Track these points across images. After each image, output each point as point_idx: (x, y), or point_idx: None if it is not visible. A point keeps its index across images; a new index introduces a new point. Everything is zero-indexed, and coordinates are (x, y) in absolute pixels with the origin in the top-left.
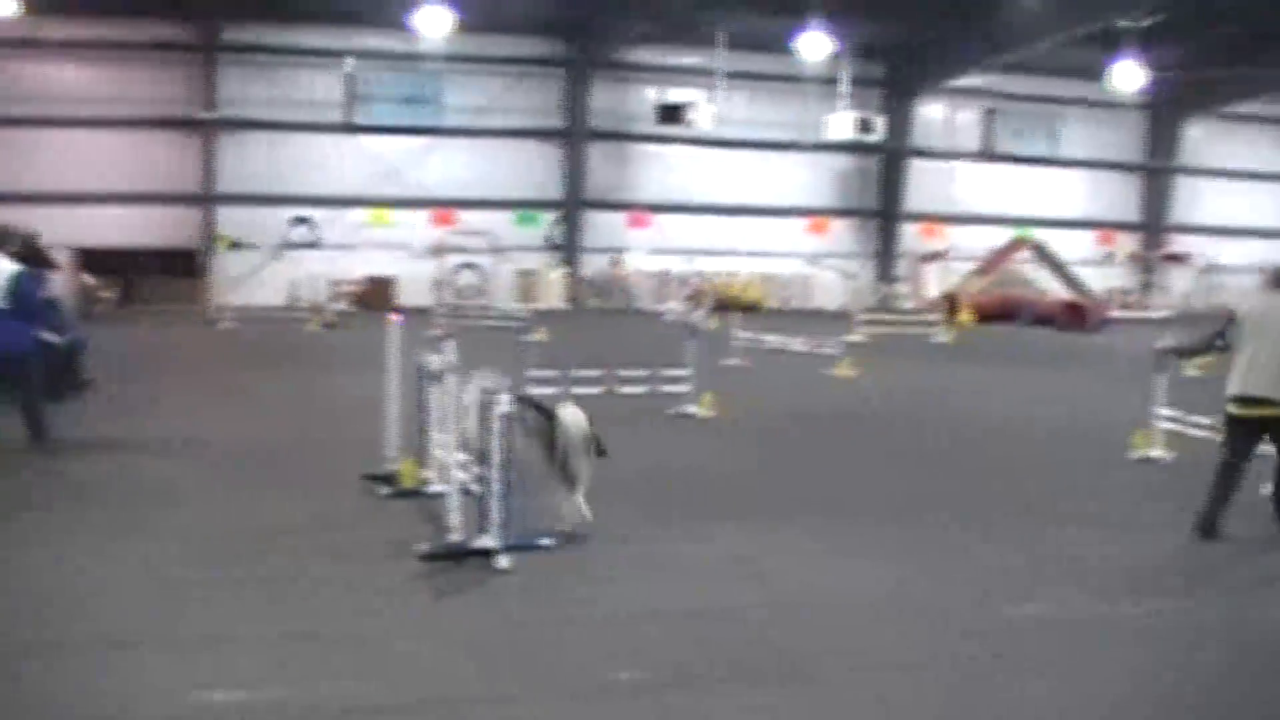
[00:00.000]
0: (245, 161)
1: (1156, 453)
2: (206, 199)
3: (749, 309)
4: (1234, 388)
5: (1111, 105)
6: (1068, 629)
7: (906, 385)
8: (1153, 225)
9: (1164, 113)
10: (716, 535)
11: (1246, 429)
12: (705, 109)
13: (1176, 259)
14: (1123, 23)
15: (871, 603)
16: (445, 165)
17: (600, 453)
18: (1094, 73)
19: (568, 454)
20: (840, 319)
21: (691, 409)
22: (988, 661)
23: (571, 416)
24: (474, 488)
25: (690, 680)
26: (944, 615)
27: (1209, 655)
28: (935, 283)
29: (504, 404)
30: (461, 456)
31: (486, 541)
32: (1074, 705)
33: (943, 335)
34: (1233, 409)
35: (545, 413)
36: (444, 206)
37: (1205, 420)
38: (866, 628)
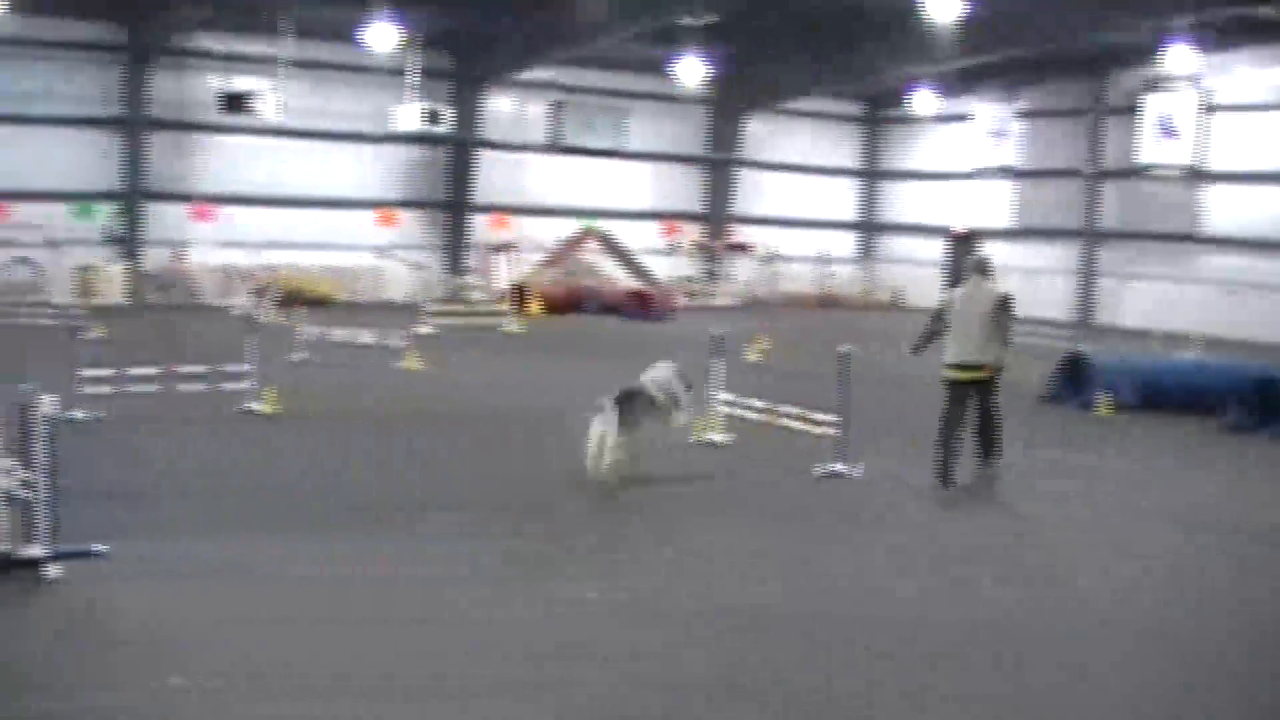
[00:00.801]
0: None
1: (716, 436)
2: None
3: (317, 302)
4: (949, 357)
5: (676, 100)
6: None
7: (474, 377)
8: (716, 216)
9: (726, 107)
10: (244, 543)
11: (960, 389)
12: (271, 98)
13: (739, 249)
14: (685, 20)
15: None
16: None
17: (688, 386)
18: (659, 68)
19: (669, 401)
20: (410, 311)
21: (255, 406)
22: None
23: (652, 375)
24: (21, 494)
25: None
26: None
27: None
28: (505, 274)
29: (46, 406)
30: (5, 463)
31: (34, 550)
32: None
33: (513, 326)
34: (949, 374)
35: (629, 394)
36: None
37: (760, 404)
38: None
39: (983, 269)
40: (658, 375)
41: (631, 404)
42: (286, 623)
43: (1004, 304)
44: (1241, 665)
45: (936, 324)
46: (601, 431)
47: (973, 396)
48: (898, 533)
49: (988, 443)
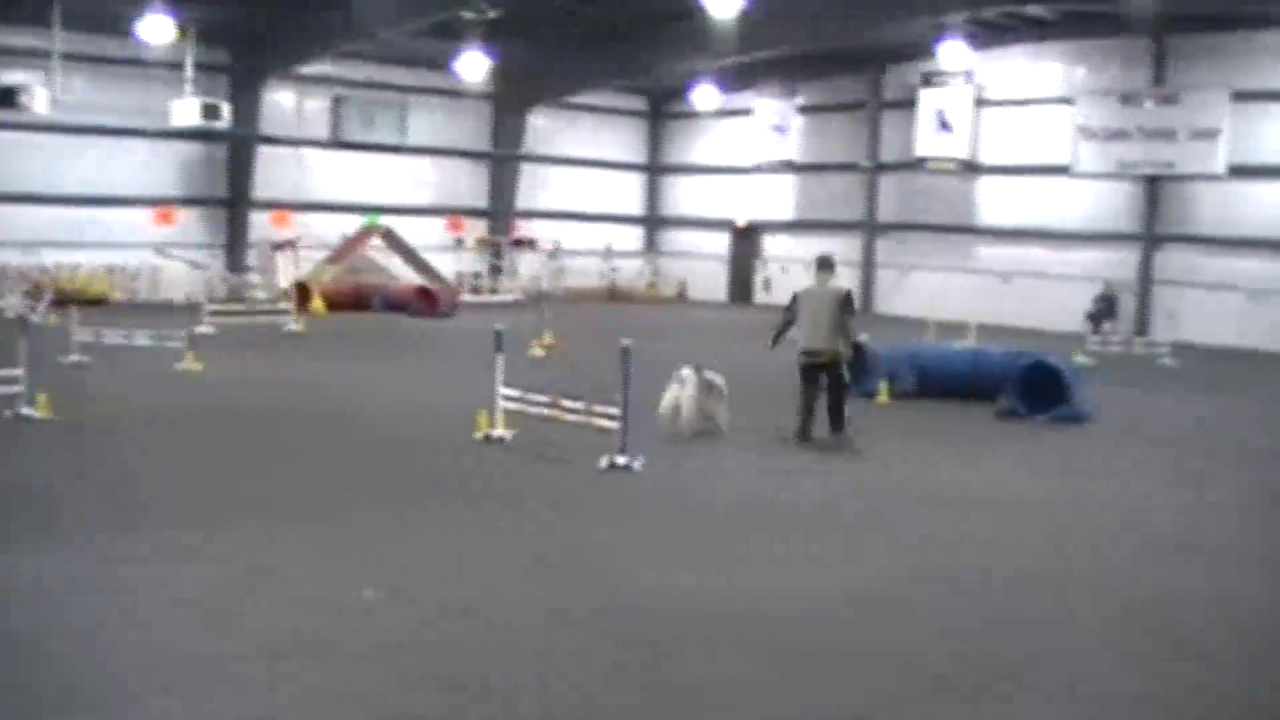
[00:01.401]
0: None
1: (499, 431)
2: None
3: (93, 303)
4: (802, 344)
5: (459, 95)
6: None
7: (256, 376)
8: (500, 211)
9: (509, 102)
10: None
11: (811, 371)
12: (40, 93)
13: (524, 244)
14: (467, 15)
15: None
16: None
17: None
18: (442, 63)
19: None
20: (190, 311)
21: (28, 411)
22: None
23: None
24: None
25: None
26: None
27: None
28: (288, 271)
29: None
30: None
31: None
32: None
33: (296, 324)
34: (802, 359)
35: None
36: None
37: (543, 398)
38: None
39: (827, 266)
40: (710, 377)
41: (704, 377)
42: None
43: (846, 300)
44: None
45: (788, 315)
46: (677, 394)
47: (822, 377)
48: (666, 521)
49: (836, 416)
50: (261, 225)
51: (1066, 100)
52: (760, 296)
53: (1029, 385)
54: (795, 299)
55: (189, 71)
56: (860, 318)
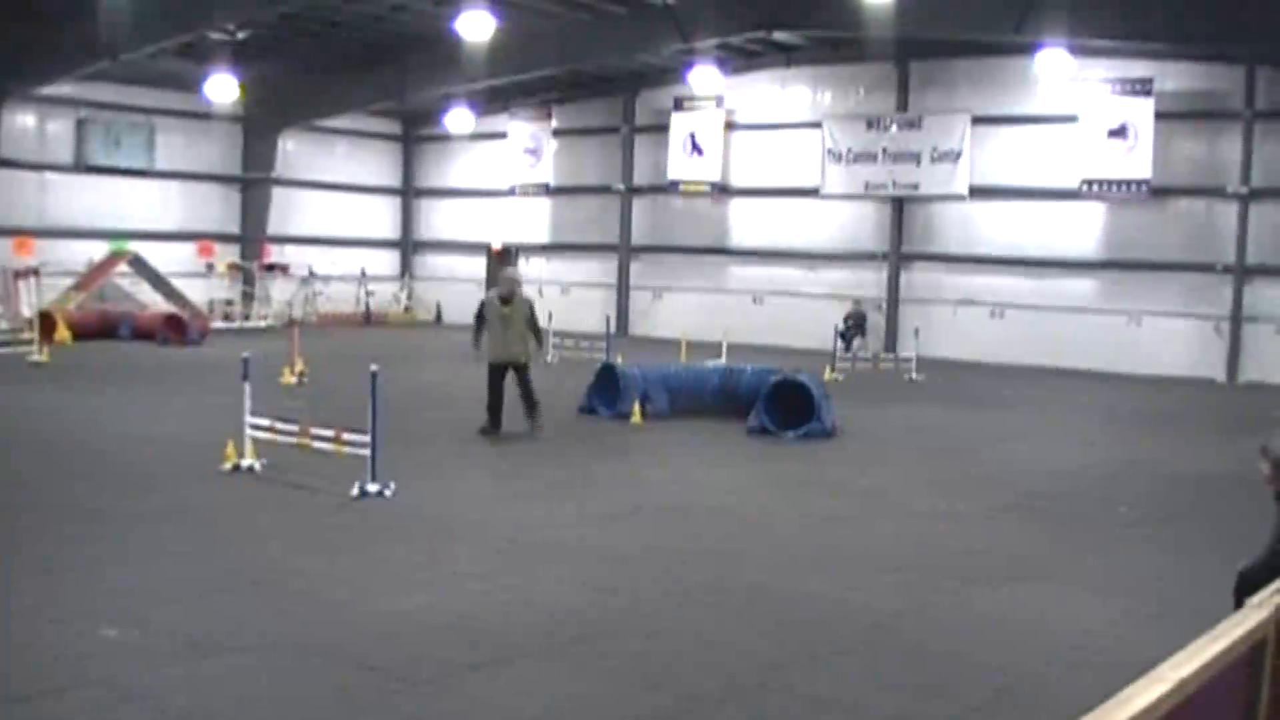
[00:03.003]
0: None
1: (248, 461)
2: None
3: None
4: (493, 355)
5: (208, 117)
6: None
7: None
8: (251, 236)
9: (259, 125)
10: None
11: (498, 370)
12: None
13: (276, 269)
14: (216, 36)
15: None
16: None
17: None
18: (191, 84)
19: None
20: None
21: None
22: None
23: None
24: None
25: None
26: None
27: None
28: (30, 300)
29: None
30: None
31: None
32: None
33: (40, 355)
34: (493, 363)
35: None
36: None
37: (293, 426)
38: None
39: (513, 279)
40: None
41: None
42: None
43: (531, 309)
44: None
45: (479, 323)
46: None
47: (509, 376)
48: (402, 547)
49: (530, 407)
50: (2, 252)
51: (814, 124)
52: None
53: (780, 402)
54: (481, 309)
55: None
56: (616, 339)
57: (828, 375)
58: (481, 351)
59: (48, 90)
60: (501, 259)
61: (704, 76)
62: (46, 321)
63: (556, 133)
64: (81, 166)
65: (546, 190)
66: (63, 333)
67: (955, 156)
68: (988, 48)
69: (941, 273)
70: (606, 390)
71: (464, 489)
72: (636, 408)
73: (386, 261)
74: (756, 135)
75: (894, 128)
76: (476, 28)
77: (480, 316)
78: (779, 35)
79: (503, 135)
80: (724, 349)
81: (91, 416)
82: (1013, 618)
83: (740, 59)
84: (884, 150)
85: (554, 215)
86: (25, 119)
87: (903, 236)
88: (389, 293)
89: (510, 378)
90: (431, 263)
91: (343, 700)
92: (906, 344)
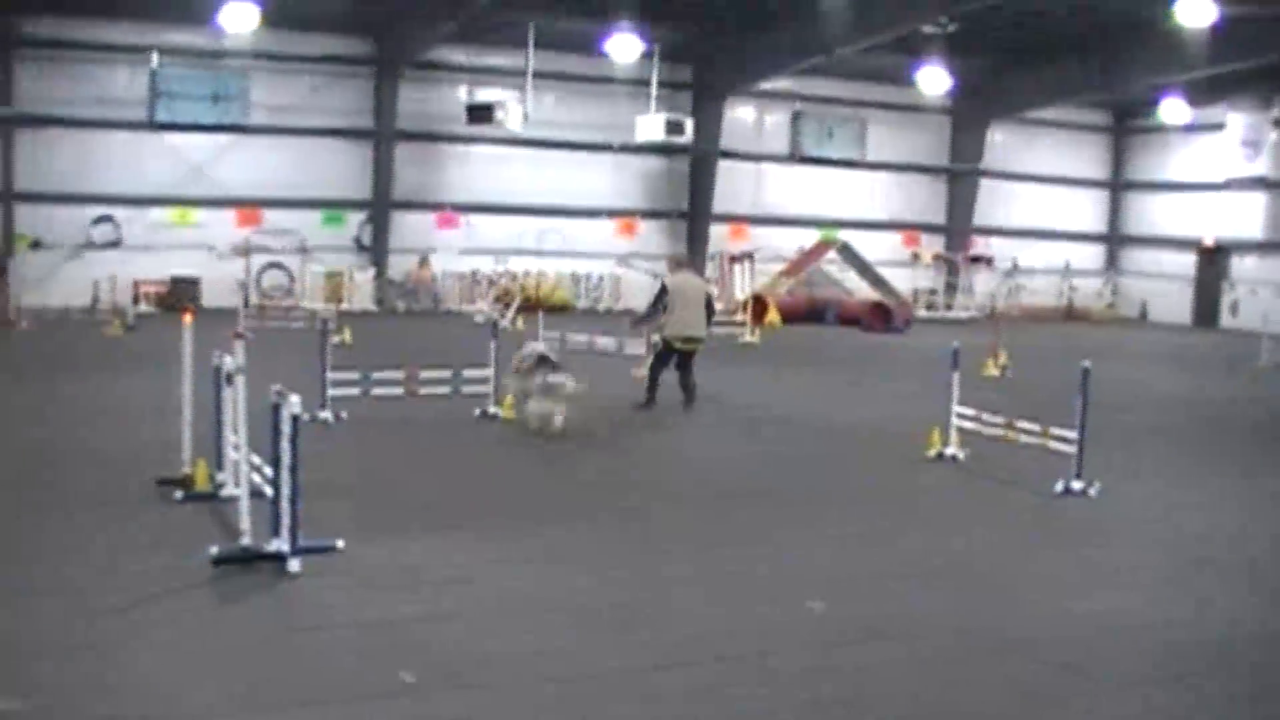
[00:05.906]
0: (45, 159)
1: (951, 449)
2: (4, 197)
3: (557, 309)
4: (676, 330)
5: (917, 109)
6: None
7: (712, 387)
8: (956, 228)
9: (968, 117)
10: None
11: (678, 353)
12: (514, 109)
13: (980, 261)
14: (927, 29)
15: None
16: (251, 164)
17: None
18: (900, 78)
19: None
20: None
21: (495, 410)
22: None
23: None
24: (267, 490)
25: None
26: None
27: None
28: (743, 284)
29: (293, 406)
30: (255, 459)
31: (277, 545)
32: None
33: (750, 336)
34: (677, 344)
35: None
36: (249, 206)
37: (998, 419)
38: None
39: (684, 263)
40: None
41: (547, 379)
42: (508, 615)
43: (709, 295)
44: None
45: (660, 303)
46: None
47: (685, 359)
48: (1097, 549)
49: (689, 390)
50: (719, 238)
51: None
52: (1226, 320)
53: None
54: (665, 290)
55: (654, 88)
56: None
57: None
58: None
59: (766, 85)
60: (1212, 256)
61: None
62: (758, 305)
63: (1279, 123)
64: (795, 157)
65: (1264, 184)
66: (773, 315)
67: None
68: None
69: None
70: None
71: (1171, 494)
72: None
73: (1091, 255)
74: None
75: None
76: (1195, 14)
77: (658, 299)
78: None
79: (1219, 126)
80: None
81: (801, 397)
82: None
83: None
84: None
85: (1271, 212)
86: (745, 113)
87: None
88: (1092, 288)
89: None
90: (1137, 258)
91: (1009, 693)
92: None
